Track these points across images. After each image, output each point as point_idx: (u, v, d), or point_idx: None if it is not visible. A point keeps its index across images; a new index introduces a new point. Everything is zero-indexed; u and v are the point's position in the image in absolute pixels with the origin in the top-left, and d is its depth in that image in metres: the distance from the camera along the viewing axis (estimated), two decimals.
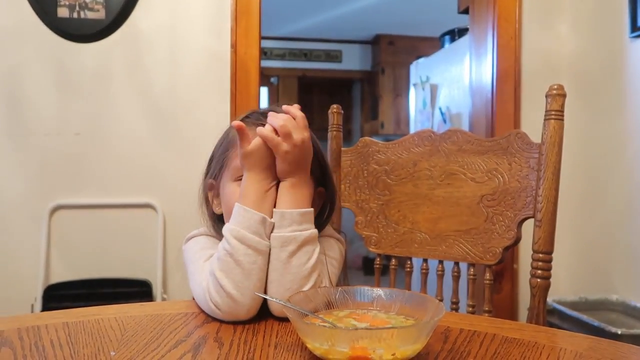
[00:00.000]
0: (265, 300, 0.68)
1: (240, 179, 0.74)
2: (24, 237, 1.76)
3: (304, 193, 0.73)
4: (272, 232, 0.71)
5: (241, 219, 0.70)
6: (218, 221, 0.81)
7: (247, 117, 0.81)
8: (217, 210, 0.82)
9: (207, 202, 0.83)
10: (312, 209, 0.73)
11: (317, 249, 0.72)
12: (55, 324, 0.65)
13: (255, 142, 0.71)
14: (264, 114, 0.77)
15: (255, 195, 0.71)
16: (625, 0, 1.68)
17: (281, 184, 0.73)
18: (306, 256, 0.70)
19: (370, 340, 0.51)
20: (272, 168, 0.72)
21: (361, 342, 0.51)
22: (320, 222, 0.82)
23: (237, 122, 0.71)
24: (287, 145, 0.70)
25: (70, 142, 1.79)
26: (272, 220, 0.71)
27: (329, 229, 0.86)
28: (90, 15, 1.77)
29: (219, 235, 0.75)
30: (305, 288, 0.68)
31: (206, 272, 0.71)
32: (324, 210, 0.84)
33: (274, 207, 0.72)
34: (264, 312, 0.69)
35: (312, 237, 0.72)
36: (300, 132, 0.71)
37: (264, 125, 0.72)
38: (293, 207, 0.71)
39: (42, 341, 0.59)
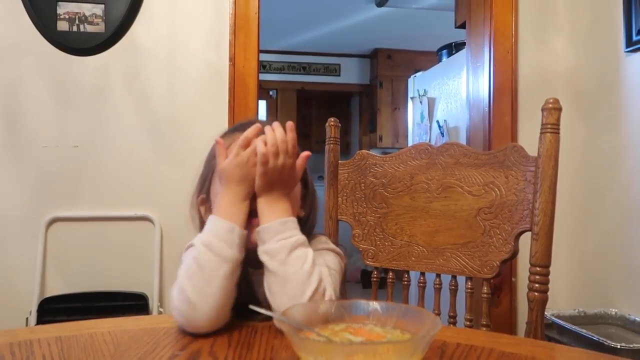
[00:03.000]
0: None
1: None
2: (20, 250, 1.75)
3: (282, 207, 0.74)
4: (255, 247, 0.72)
5: (211, 226, 0.71)
6: None
7: (234, 129, 0.83)
8: None
9: (200, 217, 0.84)
10: (293, 218, 0.74)
11: (310, 254, 0.72)
12: (48, 338, 0.64)
13: (230, 158, 0.73)
14: (247, 123, 0.80)
15: (228, 207, 0.72)
16: (621, 16, 1.70)
17: (258, 200, 0.74)
18: (299, 261, 0.70)
19: (365, 355, 0.50)
20: (246, 182, 0.73)
21: (356, 357, 0.50)
22: (305, 223, 0.82)
23: (217, 138, 0.76)
24: (269, 165, 0.72)
25: (68, 155, 1.79)
26: (244, 230, 0.72)
27: (327, 242, 0.85)
28: (89, 28, 1.78)
29: None
30: (308, 293, 0.68)
31: None
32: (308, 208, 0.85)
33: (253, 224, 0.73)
34: (259, 327, 0.69)
35: (299, 242, 0.72)
36: (284, 158, 0.73)
37: (244, 129, 0.75)
38: (272, 220, 0.72)
39: (34, 356, 0.58)
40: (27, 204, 1.76)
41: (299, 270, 0.70)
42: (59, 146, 1.78)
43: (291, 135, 0.74)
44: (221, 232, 0.70)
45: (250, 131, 0.74)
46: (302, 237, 0.73)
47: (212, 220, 0.72)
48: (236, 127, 0.84)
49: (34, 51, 1.77)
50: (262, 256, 0.71)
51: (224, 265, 0.69)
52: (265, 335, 0.67)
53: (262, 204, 0.74)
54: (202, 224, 0.83)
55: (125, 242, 1.80)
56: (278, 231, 0.71)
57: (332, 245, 0.86)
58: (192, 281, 0.68)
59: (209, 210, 0.82)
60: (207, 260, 0.69)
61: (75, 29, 1.77)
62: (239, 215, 0.73)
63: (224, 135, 0.83)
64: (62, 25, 1.77)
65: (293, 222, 0.74)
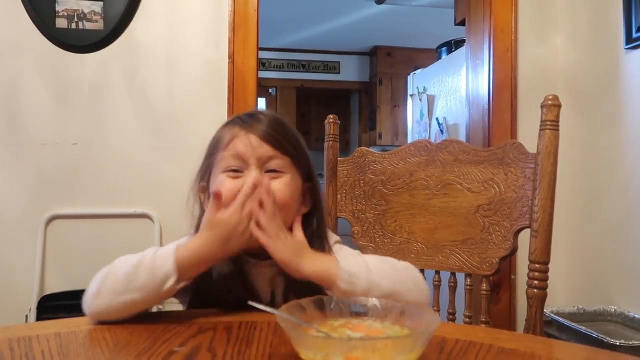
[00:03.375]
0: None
1: (229, 171, 0.76)
2: (19, 247, 1.75)
3: (318, 256, 0.74)
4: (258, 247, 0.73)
5: (168, 254, 0.70)
6: None
7: (234, 122, 0.81)
8: None
9: (201, 204, 0.83)
10: (331, 257, 0.74)
11: (360, 255, 0.77)
12: (47, 335, 0.64)
13: (227, 215, 0.71)
14: (248, 115, 0.80)
15: (193, 255, 0.71)
16: (621, 13, 1.70)
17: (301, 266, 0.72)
18: (384, 272, 0.73)
19: (365, 351, 0.50)
20: (230, 245, 0.72)
21: (356, 353, 0.50)
22: (311, 221, 0.82)
23: (215, 188, 0.74)
24: (272, 242, 0.71)
25: (67, 152, 1.78)
26: (179, 284, 0.70)
27: (331, 236, 0.85)
28: (88, 26, 1.77)
29: None
30: (418, 276, 0.75)
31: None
32: (313, 204, 0.84)
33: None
34: (258, 323, 0.69)
35: (360, 258, 0.75)
36: (278, 220, 0.72)
37: (246, 125, 0.76)
38: (333, 270, 0.70)
39: (33, 352, 0.58)
40: (27, 202, 1.76)
41: (392, 276, 0.72)
42: (58, 144, 1.78)
43: (269, 199, 0.72)
44: (163, 268, 0.69)
45: (244, 192, 0.72)
46: (350, 251, 0.76)
47: (170, 251, 0.71)
48: (235, 120, 0.82)
49: (32, 49, 1.76)
50: (368, 295, 0.67)
51: (139, 284, 0.69)
52: (264, 331, 0.67)
53: (304, 267, 0.72)
54: (203, 211, 0.82)
55: (125, 240, 1.80)
56: (350, 274, 0.70)
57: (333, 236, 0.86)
58: (112, 273, 0.71)
59: (207, 200, 0.81)
60: (139, 276, 0.69)
61: (74, 26, 1.77)
62: (194, 270, 0.71)
63: (224, 127, 0.82)
64: (61, 23, 1.76)
65: (335, 254, 0.77)
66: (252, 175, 0.75)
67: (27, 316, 1.69)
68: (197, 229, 0.81)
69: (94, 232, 1.80)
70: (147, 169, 1.82)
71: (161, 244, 1.80)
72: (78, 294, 0.79)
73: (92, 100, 1.80)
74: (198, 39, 1.85)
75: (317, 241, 0.82)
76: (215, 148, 0.81)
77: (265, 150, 0.77)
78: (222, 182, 0.76)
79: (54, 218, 1.77)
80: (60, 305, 1.68)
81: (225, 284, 0.76)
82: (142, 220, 1.82)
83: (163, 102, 1.84)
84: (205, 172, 0.82)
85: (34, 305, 1.69)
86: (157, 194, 1.82)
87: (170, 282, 0.70)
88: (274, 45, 5.10)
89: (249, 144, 0.76)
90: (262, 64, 5.14)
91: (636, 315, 1.61)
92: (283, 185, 0.77)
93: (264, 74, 5.15)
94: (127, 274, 0.70)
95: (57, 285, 1.74)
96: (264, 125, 0.78)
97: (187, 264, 0.70)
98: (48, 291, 1.74)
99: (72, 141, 1.79)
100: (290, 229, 0.77)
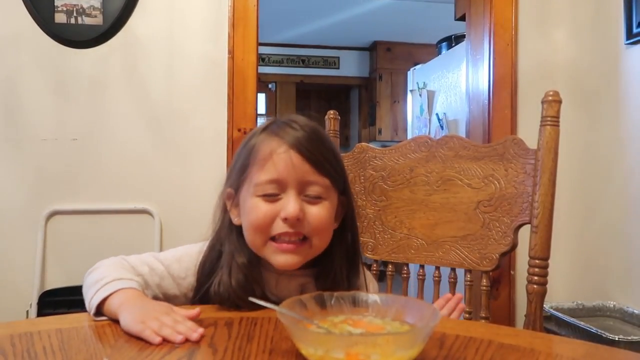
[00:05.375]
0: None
1: (264, 196, 0.73)
2: (20, 243, 1.75)
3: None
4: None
5: (103, 292, 0.71)
6: (236, 232, 0.79)
7: (270, 128, 0.77)
8: (235, 221, 0.79)
9: (225, 211, 0.80)
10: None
11: None
12: (49, 330, 0.64)
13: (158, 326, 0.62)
14: (286, 124, 0.75)
15: (110, 315, 0.68)
16: (621, 8, 1.69)
17: None
18: None
19: (365, 346, 0.50)
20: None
21: (356, 348, 0.50)
22: (344, 236, 0.80)
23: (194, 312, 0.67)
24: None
25: (67, 148, 1.78)
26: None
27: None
28: (87, 21, 1.77)
29: (230, 246, 0.77)
30: None
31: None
32: (347, 218, 0.81)
33: None
34: (258, 319, 0.69)
35: None
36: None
37: (286, 138, 0.73)
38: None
39: (34, 347, 0.59)
40: (27, 197, 1.76)
41: None
42: (58, 139, 1.78)
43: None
44: (92, 304, 0.70)
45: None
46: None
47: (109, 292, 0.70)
48: (273, 127, 0.76)
49: (31, 44, 1.76)
50: None
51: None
52: (265, 326, 0.67)
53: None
54: (222, 218, 0.80)
55: (125, 235, 1.80)
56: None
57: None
58: (85, 281, 0.77)
59: (234, 208, 0.79)
60: (87, 291, 0.74)
61: (73, 21, 1.76)
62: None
63: (260, 135, 0.76)
64: (60, 18, 1.75)
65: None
66: (290, 209, 0.71)
67: (27, 311, 1.69)
68: (216, 236, 0.81)
69: (94, 227, 1.80)
70: (146, 164, 1.82)
71: (161, 239, 1.80)
72: (78, 289, 0.80)
73: (92, 95, 1.80)
74: (197, 34, 1.85)
75: (352, 257, 0.81)
76: (249, 158, 0.76)
77: (306, 171, 0.73)
78: (256, 207, 0.73)
79: (54, 213, 1.77)
80: (60, 300, 1.68)
81: (244, 292, 0.73)
82: (142, 215, 1.82)
83: (162, 97, 1.83)
84: (235, 181, 0.78)
85: (34, 301, 1.69)
86: (157, 189, 1.82)
87: (92, 314, 0.70)
88: (273, 41, 5.08)
89: (289, 163, 0.72)
90: (262, 59, 5.13)
91: (635, 311, 1.61)
92: (321, 211, 0.74)
93: (264, 69, 5.14)
94: (87, 284, 0.76)
95: (57, 280, 1.74)
96: (305, 140, 0.74)
97: (106, 313, 0.70)
98: (48, 286, 1.74)
99: (72, 136, 1.79)
100: (326, 250, 0.77)
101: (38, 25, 1.75)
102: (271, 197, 0.74)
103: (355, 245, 0.82)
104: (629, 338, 1.42)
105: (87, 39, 1.78)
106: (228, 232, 0.79)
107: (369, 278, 0.89)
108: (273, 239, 0.74)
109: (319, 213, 0.74)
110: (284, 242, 0.73)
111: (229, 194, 0.80)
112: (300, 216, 0.72)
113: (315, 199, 0.74)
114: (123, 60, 1.81)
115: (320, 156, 0.74)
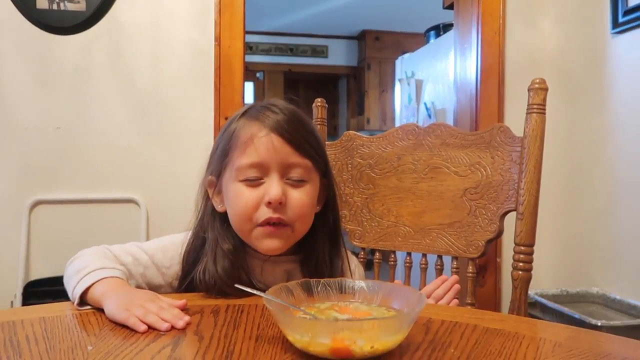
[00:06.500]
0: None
1: (246, 181, 0.73)
2: (3, 233, 1.73)
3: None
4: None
5: (86, 281, 0.70)
6: (219, 219, 0.78)
7: (249, 112, 0.77)
8: (219, 209, 0.78)
9: (207, 198, 0.80)
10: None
11: None
12: (32, 319, 0.63)
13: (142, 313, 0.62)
14: (266, 107, 0.76)
15: (95, 304, 0.68)
16: None
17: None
18: None
19: (351, 332, 0.51)
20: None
21: (342, 334, 0.50)
22: (327, 219, 0.81)
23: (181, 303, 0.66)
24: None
25: (50, 137, 1.75)
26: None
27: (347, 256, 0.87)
28: (70, 6, 1.73)
29: (214, 232, 0.76)
30: None
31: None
32: (329, 201, 0.82)
33: None
34: (245, 306, 0.69)
35: None
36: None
37: (266, 122, 0.73)
38: None
39: (17, 336, 0.58)
40: (10, 187, 1.73)
41: None
42: (41, 128, 1.75)
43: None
44: (75, 294, 0.70)
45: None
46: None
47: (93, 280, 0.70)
48: (252, 112, 0.76)
49: (13, 30, 1.72)
50: None
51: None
52: (251, 313, 0.67)
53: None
54: (204, 205, 0.80)
55: (111, 225, 1.78)
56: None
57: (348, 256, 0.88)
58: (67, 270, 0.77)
59: (216, 196, 0.79)
60: (69, 281, 0.74)
61: (55, 7, 1.72)
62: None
63: (240, 120, 0.76)
64: (42, 3, 1.71)
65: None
66: (272, 193, 0.71)
67: (12, 302, 1.67)
68: (199, 224, 0.80)
69: (79, 217, 1.78)
70: (132, 153, 1.80)
71: (147, 229, 1.79)
72: (63, 280, 0.79)
73: (76, 83, 1.77)
74: (183, 21, 1.82)
75: (334, 239, 0.82)
76: (230, 143, 0.75)
77: (287, 153, 0.73)
78: (240, 193, 0.73)
79: (38, 203, 1.75)
80: (45, 290, 1.66)
81: (230, 278, 0.72)
82: (128, 204, 1.80)
83: (148, 85, 1.81)
84: (217, 167, 0.78)
85: (19, 291, 1.67)
86: (143, 179, 1.80)
87: (75, 304, 0.70)
88: (261, 29, 5.03)
89: (270, 146, 0.72)
90: (249, 48, 5.08)
91: (617, 297, 1.64)
92: (303, 196, 0.74)
93: (251, 58, 5.09)
94: (69, 274, 0.75)
95: (42, 270, 1.72)
96: (285, 122, 0.74)
97: (90, 302, 0.69)
98: (33, 277, 1.72)
99: (55, 125, 1.76)
100: (309, 234, 0.78)
101: (19, 11, 1.71)
102: (254, 182, 0.73)
103: (336, 227, 0.83)
104: (611, 323, 1.45)
105: (69, 25, 1.74)
106: (211, 219, 0.79)
107: (355, 263, 0.90)
108: (259, 224, 0.74)
109: (301, 199, 0.75)
110: (269, 225, 0.74)
111: (210, 181, 0.80)
112: (282, 200, 0.72)
113: (298, 182, 0.75)
114: (107, 48, 1.78)
115: (301, 138, 0.75)
